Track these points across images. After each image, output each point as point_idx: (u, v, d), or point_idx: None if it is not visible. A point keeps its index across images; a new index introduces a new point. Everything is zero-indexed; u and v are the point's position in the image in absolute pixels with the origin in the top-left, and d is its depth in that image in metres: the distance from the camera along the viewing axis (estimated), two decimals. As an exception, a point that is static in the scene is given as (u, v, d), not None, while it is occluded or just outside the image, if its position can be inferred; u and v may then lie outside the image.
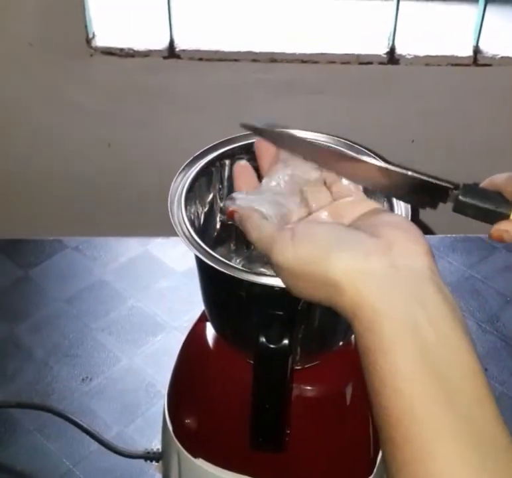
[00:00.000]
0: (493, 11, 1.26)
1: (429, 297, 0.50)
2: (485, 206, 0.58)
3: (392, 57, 1.25)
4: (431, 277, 0.51)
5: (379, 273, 0.51)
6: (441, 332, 0.48)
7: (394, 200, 0.68)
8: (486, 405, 0.47)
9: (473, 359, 0.48)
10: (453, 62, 1.26)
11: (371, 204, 0.60)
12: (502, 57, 1.26)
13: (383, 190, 0.62)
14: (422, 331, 0.48)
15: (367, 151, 0.72)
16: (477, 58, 1.26)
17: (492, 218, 0.58)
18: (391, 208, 0.68)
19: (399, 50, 1.25)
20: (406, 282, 0.51)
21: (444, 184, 0.59)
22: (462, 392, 0.47)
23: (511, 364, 1.08)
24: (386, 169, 0.61)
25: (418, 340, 0.48)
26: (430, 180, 0.59)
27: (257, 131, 0.65)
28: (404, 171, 0.60)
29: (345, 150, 0.66)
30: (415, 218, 0.68)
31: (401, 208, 0.67)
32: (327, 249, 0.52)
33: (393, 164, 0.61)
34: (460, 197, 0.58)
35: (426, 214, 1.07)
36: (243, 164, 0.67)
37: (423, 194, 0.60)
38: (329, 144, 0.67)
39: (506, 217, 0.58)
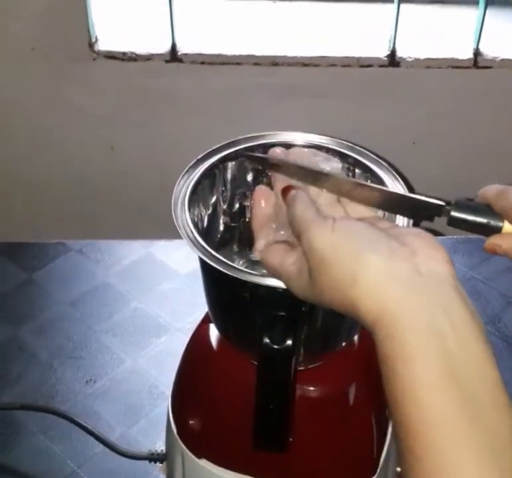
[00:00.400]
0: (493, 14, 1.27)
1: (453, 304, 0.50)
2: (476, 221, 0.60)
3: (393, 60, 1.26)
4: (454, 284, 0.52)
5: (404, 278, 0.51)
6: (464, 341, 0.48)
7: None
8: (507, 417, 0.47)
9: (495, 370, 0.48)
10: (454, 65, 1.27)
11: (385, 223, 0.61)
12: (502, 59, 1.26)
13: (380, 208, 0.65)
14: (446, 339, 0.48)
15: (368, 153, 0.72)
16: (477, 61, 1.26)
17: (485, 231, 0.60)
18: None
19: (400, 53, 1.26)
20: (430, 288, 0.51)
21: (436, 202, 0.62)
22: (483, 403, 0.46)
23: (512, 364, 1.08)
24: (382, 190, 0.64)
25: (441, 348, 0.47)
26: (424, 199, 0.63)
27: (258, 160, 0.69)
28: (399, 192, 0.65)
29: (343, 175, 0.68)
30: (415, 221, 0.68)
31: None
32: (360, 245, 0.53)
33: (387, 183, 0.67)
34: (452, 213, 0.60)
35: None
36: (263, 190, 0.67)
37: (418, 211, 0.64)
38: (326, 167, 0.67)
39: (498, 230, 0.60)
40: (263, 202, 0.65)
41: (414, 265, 0.52)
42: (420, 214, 0.64)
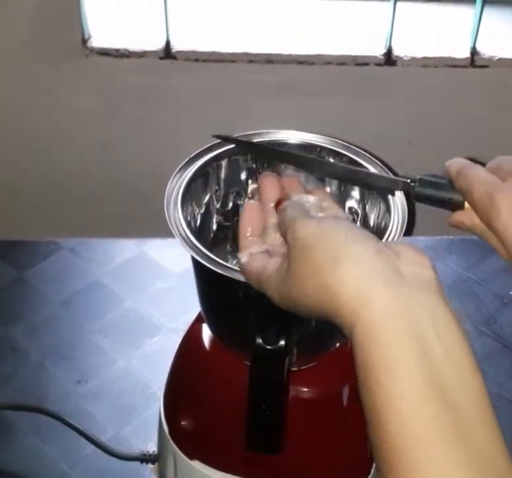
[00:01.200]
0: (490, 12, 1.26)
1: (437, 310, 0.48)
2: (439, 197, 0.64)
3: (389, 58, 1.25)
4: (437, 290, 0.50)
5: (388, 273, 0.49)
6: (449, 349, 0.46)
7: (391, 201, 0.68)
8: (491, 429, 0.45)
9: (480, 380, 0.46)
10: (451, 64, 1.26)
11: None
12: (499, 58, 1.26)
13: (354, 184, 0.71)
14: (431, 348, 0.46)
15: (363, 152, 0.72)
16: (474, 60, 1.26)
17: (449, 207, 0.64)
18: (388, 209, 0.68)
19: (396, 52, 1.25)
20: (414, 291, 0.49)
21: (402, 179, 0.66)
22: (468, 416, 0.44)
23: (507, 366, 1.08)
24: (356, 172, 0.69)
25: (427, 358, 0.45)
26: (391, 177, 0.68)
27: (229, 141, 0.71)
28: (367, 170, 0.69)
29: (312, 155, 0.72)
30: (411, 220, 0.68)
31: (397, 209, 0.67)
32: (346, 236, 0.52)
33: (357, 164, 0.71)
34: (417, 189, 0.64)
35: (422, 216, 1.07)
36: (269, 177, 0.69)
37: (388, 187, 0.68)
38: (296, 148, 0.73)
39: (461, 206, 0.62)
40: (253, 214, 0.66)
41: (398, 266, 0.50)
42: (389, 189, 0.67)
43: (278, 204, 0.64)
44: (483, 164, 0.63)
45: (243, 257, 0.62)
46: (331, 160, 0.71)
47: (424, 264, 0.52)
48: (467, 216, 0.63)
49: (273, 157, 0.72)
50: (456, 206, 0.63)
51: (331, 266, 0.50)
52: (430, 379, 0.45)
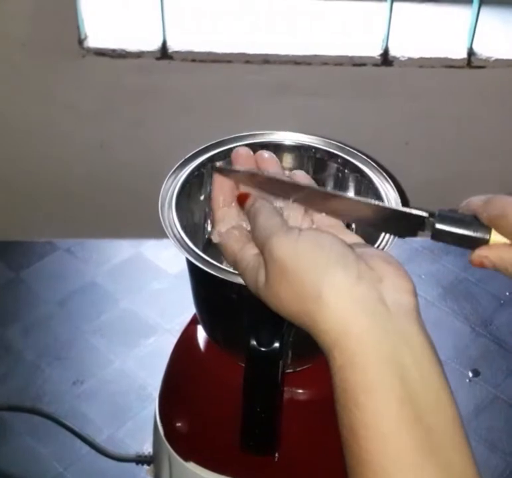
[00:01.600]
0: (487, 13, 1.26)
1: (415, 338, 0.49)
2: (462, 233, 0.56)
3: (386, 59, 1.25)
4: (416, 317, 0.51)
5: (369, 304, 0.49)
6: (425, 376, 0.48)
7: (386, 202, 0.68)
8: (464, 452, 0.46)
9: (453, 404, 0.48)
10: (448, 64, 1.26)
11: (353, 237, 0.59)
12: (496, 59, 1.26)
13: (359, 223, 0.63)
14: (408, 373, 0.47)
15: (358, 153, 0.72)
16: (471, 60, 1.25)
17: (471, 243, 0.56)
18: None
19: (393, 52, 1.25)
20: (394, 319, 0.49)
21: (418, 213, 0.57)
22: (444, 438, 0.46)
23: (504, 367, 1.08)
24: (358, 202, 0.60)
25: (404, 382, 0.47)
26: (404, 210, 0.58)
27: (226, 172, 0.63)
28: (376, 203, 0.59)
29: (315, 186, 0.64)
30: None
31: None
32: (328, 259, 0.51)
33: (366, 196, 0.63)
34: (436, 225, 0.56)
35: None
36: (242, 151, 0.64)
37: (399, 224, 0.59)
38: (300, 181, 0.64)
39: (485, 242, 0.56)
40: (224, 181, 0.62)
41: (380, 293, 0.50)
42: (401, 228, 0.59)
43: (240, 198, 0.60)
44: None
45: (220, 230, 0.60)
46: (339, 193, 0.62)
47: (407, 289, 0.52)
48: (491, 251, 0.56)
49: (279, 188, 0.62)
50: (480, 243, 0.56)
51: (313, 295, 0.50)
52: (407, 401, 0.46)
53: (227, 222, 0.61)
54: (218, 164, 0.69)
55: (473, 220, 0.56)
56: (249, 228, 0.59)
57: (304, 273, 0.51)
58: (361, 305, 0.49)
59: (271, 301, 0.53)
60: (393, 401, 0.46)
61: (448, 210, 0.58)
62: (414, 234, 0.59)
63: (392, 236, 0.63)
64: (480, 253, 0.56)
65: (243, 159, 0.64)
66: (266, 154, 0.65)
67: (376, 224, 0.61)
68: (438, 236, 0.56)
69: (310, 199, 0.60)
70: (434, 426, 0.46)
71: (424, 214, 0.57)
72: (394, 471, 0.45)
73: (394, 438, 0.45)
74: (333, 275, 0.50)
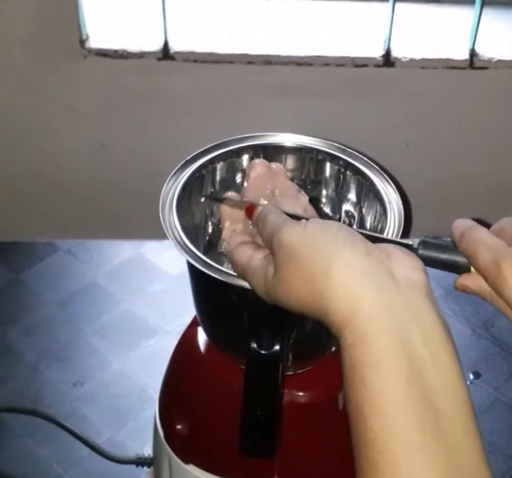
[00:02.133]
0: (489, 14, 1.26)
1: (426, 315, 0.49)
2: (445, 259, 0.59)
3: (387, 60, 1.25)
4: (427, 293, 0.50)
5: (379, 279, 0.49)
6: (435, 355, 0.47)
7: (387, 203, 0.68)
8: (472, 437, 0.46)
9: (464, 386, 0.47)
10: (449, 65, 1.26)
11: None
12: (498, 60, 1.25)
13: None
14: (417, 351, 0.47)
15: (359, 155, 0.72)
16: (473, 61, 1.25)
17: (455, 269, 0.59)
18: (385, 212, 0.67)
19: (395, 53, 1.25)
20: (405, 294, 0.49)
21: (404, 241, 0.60)
22: (452, 421, 0.45)
23: (505, 369, 1.08)
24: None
25: (412, 360, 0.46)
26: (392, 239, 0.62)
27: (218, 200, 0.68)
28: (367, 233, 0.61)
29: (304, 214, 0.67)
30: (408, 222, 0.67)
31: (394, 211, 0.67)
32: (335, 241, 0.51)
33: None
34: (420, 251, 0.59)
35: (420, 218, 1.07)
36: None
37: None
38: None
39: (467, 269, 0.58)
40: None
41: (389, 269, 0.51)
42: None
43: (248, 210, 0.62)
44: (488, 226, 0.59)
45: (229, 245, 0.62)
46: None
47: (416, 267, 0.52)
48: (472, 280, 0.58)
49: None
50: (462, 270, 0.59)
51: (322, 273, 0.50)
52: (415, 380, 0.46)
53: (233, 227, 0.63)
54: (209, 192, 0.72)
55: (454, 248, 0.59)
56: (256, 241, 0.61)
57: (312, 254, 0.51)
58: (371, 279, 0.49)
59: (279, 291, 0.53)
60: (400, 380, 0.46)
61: (433, 236, 0.61)
62: None
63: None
64: (461, 281, 0.59)
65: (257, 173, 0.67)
66: (274, 166, 0.68)
67: None
68: (424, 261, 0.58)
69: None
70: (443, 408, 0.45)
71: (410, 242, 0.60)
72: (398, 451, 0.44)
73: (399, 418, 0.45)
74: (342, 252, 0.50)
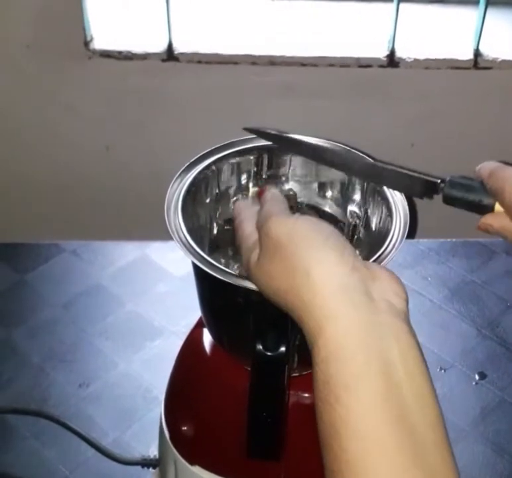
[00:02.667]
0: (493, 14, 1.26)
1: (403, 335, 0.47)
2: (469, 199, 0.61)
3: (392, 60, 1.25)
4: (405, 319, 0.49)
5: (357, 296, 0.48)
6: (411, 374, 0.46)
7: (393, 204, 0.68)
8: (445, 454, 0.45)
9: (437, 404, 0.46)
10: (454, 66, 1.26)
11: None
12: (503, 60, 1.25)
13: (378, 183, 0.68)
14: (394, 369, 0.45)
15: (365, 156, 0.71)
16: (477, 61, 1.25)
17: (478, 209, 0.60)
18: (390, 213, 0.67)
19: (399, 53, 1.25)
20: (381, 315, 0.48)
21: (431, 179, 0.63)
22: (425, 439, 0.44)
23: (510, 370, 1.07)
24: (382, 168, 0.66)
25: (389, 378, 0.45)
26: (420, 176, 0.64)
27: (259, 134, 0.69)
28: (396, 169, 0.66)
29: (342, 148, 0.70)
30: (413, 223, 0.67)
31: (399, 212, 0.67)
32: (324, 242, 0.50)
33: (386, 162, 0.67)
34: (446, 190, 0.61)
35: (425, 218, 1.07)
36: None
37: (416, 188, 0.65)
38: (326, 144, 0.70)
39: (491, 209, 0.59)
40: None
41: (369, 290, 0.49)
42: (416, 191, 0.65)
43: (259, 194, 0.63)
44: None
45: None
46: (362, 157, 0.68)
47: (399, 295, 0.51)
48: (496, 219, 0.60)
49: (296, 149, 0.70)
50: (486, 210, 0.60)
51: (304, 273, 0.49)
52: (392, 400, 0.44)
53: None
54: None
55: (480, 188, 0.60)
56: None
57: (297, 249, 0.50)
58: (350, 295, 0.48)
59: (261, 279, 0.53)
60: (377, 400, 0.44)
61: (460, 176, 0.63)
62: (429, 197, 0.64)
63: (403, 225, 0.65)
64: (485, 221, 0.60)
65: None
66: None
67: (394, 187, 0.67)
68: (448, 200, 0.61)
69: (335, 160, 0.69)
70: (418, 425, 0.44)
71: (436, 180, 0.62)
72: (376, 473, 0.43)
73: (376, 438, 0.43)
74: (327, 258, 0.49)
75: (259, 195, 0.63)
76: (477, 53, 1.25)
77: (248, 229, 0.58)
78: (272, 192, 0.62)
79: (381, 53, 1.25)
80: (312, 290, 0.48)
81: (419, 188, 0.64)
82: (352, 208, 0.74)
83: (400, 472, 0.43)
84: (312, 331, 0.48)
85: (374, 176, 0.67)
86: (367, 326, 0.47)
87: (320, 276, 0.48)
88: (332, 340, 0.46)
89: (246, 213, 0.61)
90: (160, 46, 1.24)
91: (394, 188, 0.67)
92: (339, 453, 0.44)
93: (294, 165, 0.74)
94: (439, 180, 0.62)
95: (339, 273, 0.49)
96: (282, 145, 0.70)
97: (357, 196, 0.73)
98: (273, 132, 0.69)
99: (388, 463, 0.43)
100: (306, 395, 0.72)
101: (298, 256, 0.50)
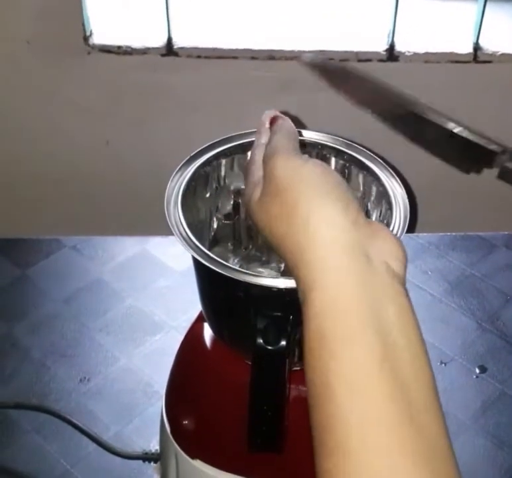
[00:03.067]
0: (493, 8, 1.25)
1: (399, 298, 0.46)
2: None
3: (391, 54, 1.25)
4: (401, 282, 0.48)
5: (357, 249, 0.46)
6: (406, 333, 0.45)
7: (393, 198, 0.67)
8: (437, 414, 0.44)
9: (430, 369, 0.45)
10: (453, 59, 1.25)
11: None
12: (502, 54, 1.25)
13: (421, 145, 0.60)
14: (389, 326, 0.44)
15: (365, 150, 0.72)
16: (477, 55, 1.25)
17: None
18: (390, 207, 0.67)
19: (398, 47, 1.24)
20: (378, 275, 0.46)
21: (490, 147, 0.52)
22: (419, 398, 0.43)
23: (511, 363, 1.07)
24: (430, 122, 0.57)
25: (384, 332, 0.44)
26: (476, 140, 0.53)
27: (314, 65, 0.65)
28: (447, 126, 0.56)
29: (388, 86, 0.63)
30: (413, 217, 0.67)
31: (399, 206, 0.67)
32: (328, 191, 0.48)
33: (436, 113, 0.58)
34: (507, 164, 0.52)
35: (425, 213, 1.07)
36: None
37: (465, 156, 0.55)
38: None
39: None
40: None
41: (368, 248, 0.47)
42: (465, 161, 0.55)
43: (272, 120, 0.60)
44: None
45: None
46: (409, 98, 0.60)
47: (399, 258, 0.49)
48: None
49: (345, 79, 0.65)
50: None
51: (304, 220, 0.47)
52: (388, 356, 0.43)
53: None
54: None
55: None
56: None
57: (300, 195, 0.48)
58: (348, 251, 0.46)
59: (261, 218, 0.51)
60: (375, 355, 0.43)
61: None
62: (478, 171, 0.54)
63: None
64: None
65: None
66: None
67: (439, 152, 0.58)
68: (506, 175, 0.51)
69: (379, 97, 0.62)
70: (411, 384, 0.43)
71: (497, 148, 0.52)
72: (370, 430, 0.42)
73: (373, 394, 0.42)
74: (330, 209, 0.47)
75: (271, 123, 0.59)
76: (476, 47, 1.25)
77: (257, 162, 0.55)
78: (283, 121, 0.58)
79: (381, 47, 1.25)
80: (311, 239, 0.46)
81: (470, 157, 0.54)
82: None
83: (393, 430, 0.42)
84: (306, 283, 0.46)
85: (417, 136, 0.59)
86: (365, 283, 0.45)
87: (320, 225, 0.47)
88: (327, 293, 0.45)
89: (261, 139, 0.58)
90: (159, 41, 1.24)
91: (438, 155, 0.59)
92: (333, 411, 0.42)
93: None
94: (499, 150, 0.52)
95: (340, 226, 0.47)
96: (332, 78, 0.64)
97: (357, 190, 0.73)
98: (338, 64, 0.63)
99: (383, 421, 0.42)
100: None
101: (301, 203, 0.48)
